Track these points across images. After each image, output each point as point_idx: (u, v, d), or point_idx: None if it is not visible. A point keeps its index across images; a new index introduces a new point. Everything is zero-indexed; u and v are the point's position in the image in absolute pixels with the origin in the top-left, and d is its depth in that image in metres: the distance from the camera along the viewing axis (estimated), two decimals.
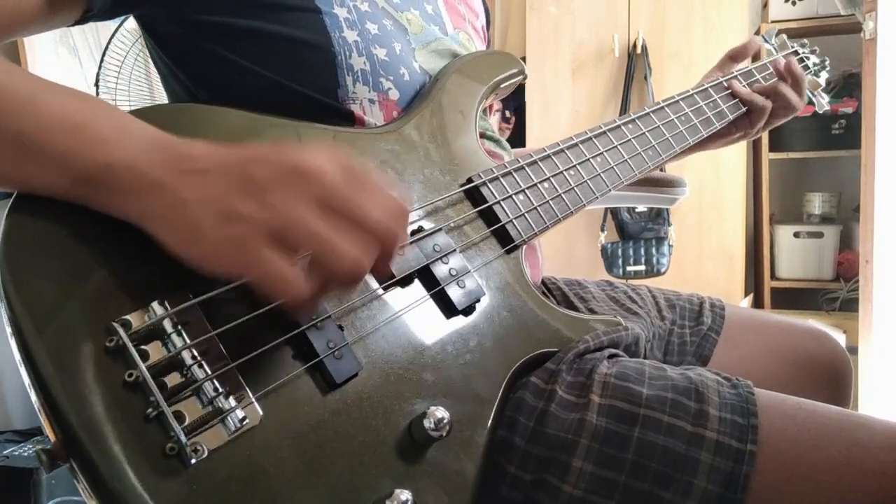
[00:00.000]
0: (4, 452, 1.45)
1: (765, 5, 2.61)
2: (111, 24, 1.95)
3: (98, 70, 1.93)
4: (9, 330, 0.41)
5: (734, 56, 0.94)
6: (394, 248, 0.44)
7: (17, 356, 0.40)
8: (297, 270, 0.41)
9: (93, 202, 0.44)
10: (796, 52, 1.06)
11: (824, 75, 1.09)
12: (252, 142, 0.54)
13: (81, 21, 0.58)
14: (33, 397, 0.40)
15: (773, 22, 2.50)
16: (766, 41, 1.07)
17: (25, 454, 1.44)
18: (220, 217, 0.41)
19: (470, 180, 0.62)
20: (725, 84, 0.89)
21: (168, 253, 0.43)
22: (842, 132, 2.45)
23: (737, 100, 0.89)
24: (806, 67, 1.06)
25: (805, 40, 1.09)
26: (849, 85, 2.46)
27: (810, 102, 1.11)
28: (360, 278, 0.43)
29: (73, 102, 0.45)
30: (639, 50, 2.52)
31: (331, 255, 0.41)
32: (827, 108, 1.11)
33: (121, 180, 0.43)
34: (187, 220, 0.42)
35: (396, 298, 0.53)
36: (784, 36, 1.06)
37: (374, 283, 0.53)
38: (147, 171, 0.43)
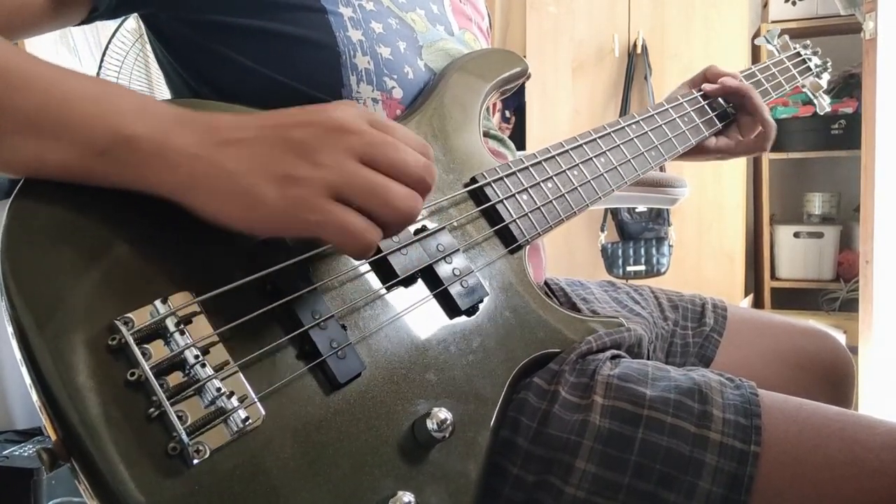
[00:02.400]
0: (4, 452, 1.44)
1: (765, 5, 2.61)
2: (111, 24, 1.95)
3: (98, 70, 1.92)
4: (10, 327, 0.40)
5: (710, 77, 0.89)
6: (430, 189, 0.48)
7: (18, 354, 0.40)
8: (365, 219, 0.44)
9: (113, 177, 0.44)
10: (798, 54, 1.06)
11: (826, 77, 1.08)
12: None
13: (87, 21, 0.58)
14: (34, 396, 0.40)
15: (773, 22, 2.50)
16: (768, 42, 1.06)
17: (26, 454, 1.43)
18: (279, 182, 0.43)
19: (474, 180, 0.62)
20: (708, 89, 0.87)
21: (208, 223, 0.44)
22: (842, 132, 2.45)
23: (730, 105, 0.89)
24: (808, 69, 1.06)
25: (807, 41, 1.09)
26: (849, 85, 2.46)
27: (811, 103, 1.11)
28: (415, 219, 0.47)
29: (93, 81, 0.46)
30: (639, 50, 2.52)
31: (391, 201, 0.44)
32: (828, 109, 1.10)
33: (147, 152, 0.43)
34: (241, 189, 0.43)
35: (400, 298, 0.53)
36: (786, 37, 1.06)
37: (377, 283, 0.53)
38: (180, 144, 0.44)
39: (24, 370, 0.40)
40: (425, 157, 0.48)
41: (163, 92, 0.71)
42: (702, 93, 0.87)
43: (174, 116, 0.45)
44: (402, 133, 0.48)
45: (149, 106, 0.46)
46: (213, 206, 0.44)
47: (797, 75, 1.03)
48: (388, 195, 0.44)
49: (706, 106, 0.87)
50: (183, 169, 0.43)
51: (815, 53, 1.08)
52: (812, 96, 1.09)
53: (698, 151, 0.87)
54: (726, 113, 0.89)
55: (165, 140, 0.44)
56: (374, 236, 0.44)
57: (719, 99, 0.89)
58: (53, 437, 0.39)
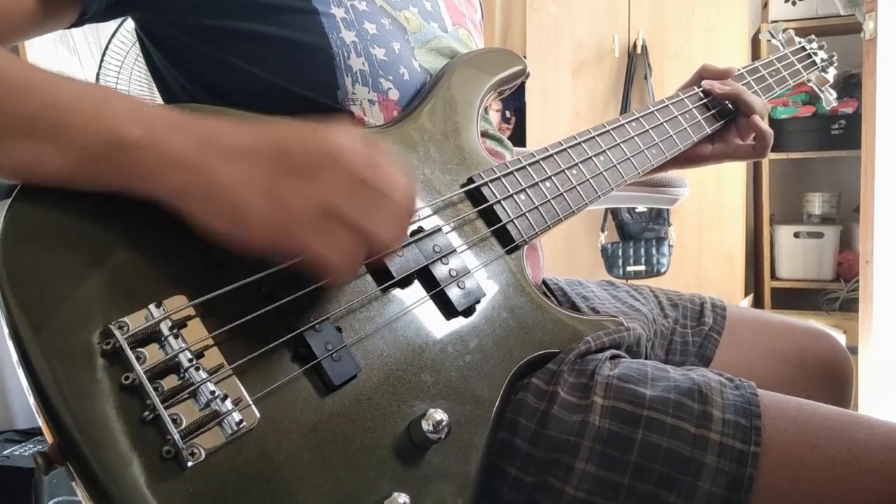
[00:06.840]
0: (5, 452, 1.44)
1: (765, 5, 2.60)
2: (111, 24, 1.95)
3: (98, 70, 1.92)
4: (6, 331, 0.40)
5: (706, 76, 0.90)
6: (410, 220, 0.51)
7: (15, 358, 0.40)
8: (347, 246, 0.45)
9: (108, 181, 0.44)
10: (803, 48, 1.05)
11: (832, 71, 1.07)
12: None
13: (76, 24, 0.58)
14: (31, 399, 0.40)
15: (772, 22, 2.50)
16: (772, 37, 1.06)
17: (26, 454, 1.43)
18: (271, 199, 0.44)
19: (471, 180, 0.62)
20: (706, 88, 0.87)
21: (199, 232, 0.44)
22: (842, 132, 2.45)
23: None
24: (814, 63, 1.05)
25: (812, 36, 1.08)
26: (849, 85, 2.45)
27: (811, 103, 1.11)
28: (402, 242, 0.51)
29: (88, 86, 0.47)
30: (639, 50, 2.52)
31: (375, 230, 0.46)
32: (835, 103, 1.09)
33: (142, 156, 0.43)
34: (231, 201, 0.43)
35: (395, 299, 0.53)
36: (791, 31, 1.05)
37: (373, 285, 0.52)
38: (177, 150, 0.44)
39: (20, 373, 0.40)
40: (411, 190, 0.49)
41: None
42: (702, 89, 0.86)
43: (171, 120, 0.45)
44: (391, 165, 0.49)
45: (145, 109, 0.46)
46: (204, 214, 0.44)
47: (802, 70, 1.02)
48: (374, 224, 0.46)
49: (707, 103, 0.86)
50: (178, 175, 0.44)
51: (820, 48, 1.07)
52: (819, 90, 1.08)
53: (693, 158, 0.85)
54: (727, 109, 0.87)
55: (162, 144, 0.44)
56: (360, 257, 0.46)
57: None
58: (50, 440, 0.39)
